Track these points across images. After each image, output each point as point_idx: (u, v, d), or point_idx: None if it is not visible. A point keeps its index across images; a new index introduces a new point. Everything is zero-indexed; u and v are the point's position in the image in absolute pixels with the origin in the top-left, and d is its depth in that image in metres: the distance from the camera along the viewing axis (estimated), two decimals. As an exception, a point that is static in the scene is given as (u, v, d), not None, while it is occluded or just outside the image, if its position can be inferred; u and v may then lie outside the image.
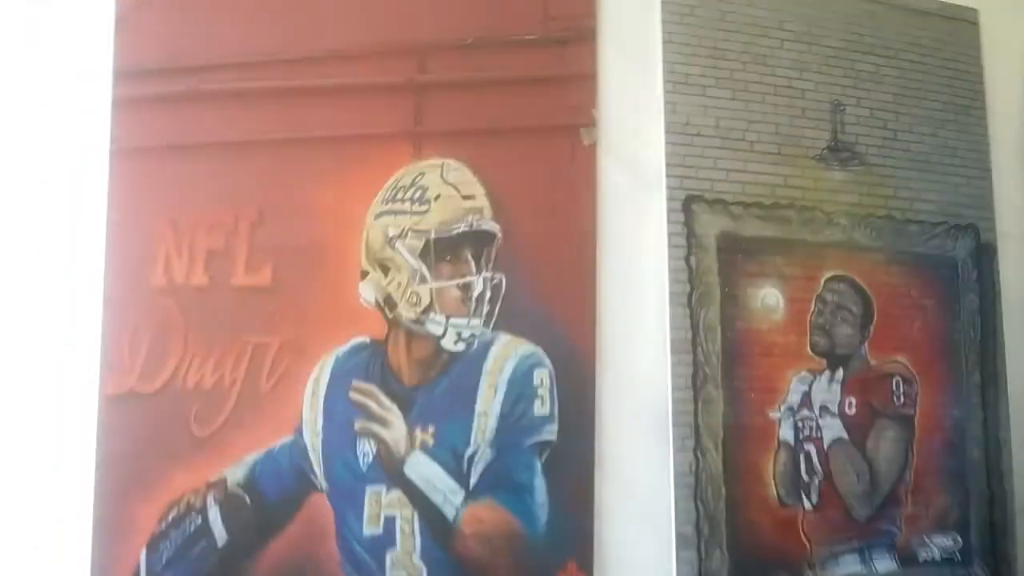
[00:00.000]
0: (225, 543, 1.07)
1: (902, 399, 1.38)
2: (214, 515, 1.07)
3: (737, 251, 1.32)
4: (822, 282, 1.36)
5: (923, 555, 1.36)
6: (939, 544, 1.38)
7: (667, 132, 1.30)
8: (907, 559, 1.35)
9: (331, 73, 1.17)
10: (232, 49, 1.13)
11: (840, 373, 1.35)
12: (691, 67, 1.33)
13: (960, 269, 1.44)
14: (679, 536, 1.23)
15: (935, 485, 1.38)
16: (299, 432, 1.11)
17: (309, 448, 1.11)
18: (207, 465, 1.07)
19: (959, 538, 1.39)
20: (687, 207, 1.30)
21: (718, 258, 1.30)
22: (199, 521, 1.06)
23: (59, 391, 1.02)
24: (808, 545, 1.30)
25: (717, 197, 1.31)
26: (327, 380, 1.12)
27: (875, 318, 1.37)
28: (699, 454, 1.26)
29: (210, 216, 1.11)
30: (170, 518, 1.05)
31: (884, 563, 1.34)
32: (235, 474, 1.08)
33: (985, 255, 1.46)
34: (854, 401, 1.36)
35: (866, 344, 1.37)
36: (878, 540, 1.34)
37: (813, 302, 1.35)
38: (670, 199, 1.29)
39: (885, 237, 1.40)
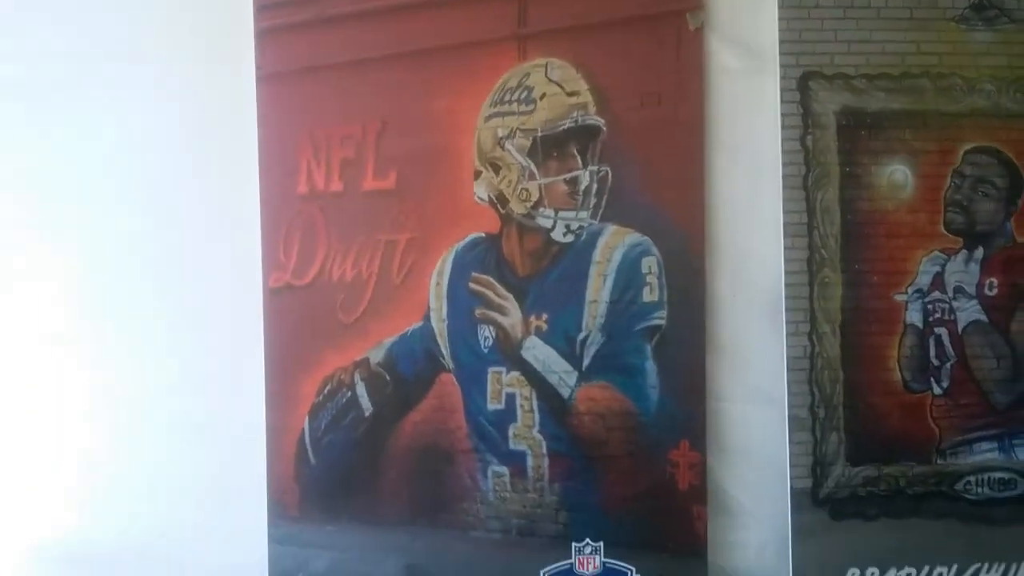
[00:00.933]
0: (371, 413, 1.29)
1: None
2: (361, 390, 1.30)
3: (860, 127, 1.29)
4: (960, 155, 1.29)
5: None
6: None
7: (781, 7, 1.27)
8: None
9: None
10: None
11: (980, 252, 1.30)
12: None
13: None
14: (792, 419, 1.28)
15: None
16: (427, 319, 1.29)
17: (436, 333, 1.30)
18: (353, 347, 1.29)
19: None
20: (803, 84, 1.28)
21: (838, 136, 1.28)
22: (349, 394, 1.30)
23: (232, 286, 1.27)
24: (937, 431, 1.30)
25: (837, 71, 1.28)
26: (449, 272, 1.29)
27: None
28: (814, 338, 1.29)
29: (341, 129, 1.29)
30: (325, 391, 1.30)
31: None
32: (376, 355, 1.30)
33: None
34: (996, 282, 1.30)
35: (1012, 220, 1.30)
36: (1021, 428, 1.31)
37: (949, 177, 1.29)
38: (784, 78, 1.28)
39: None
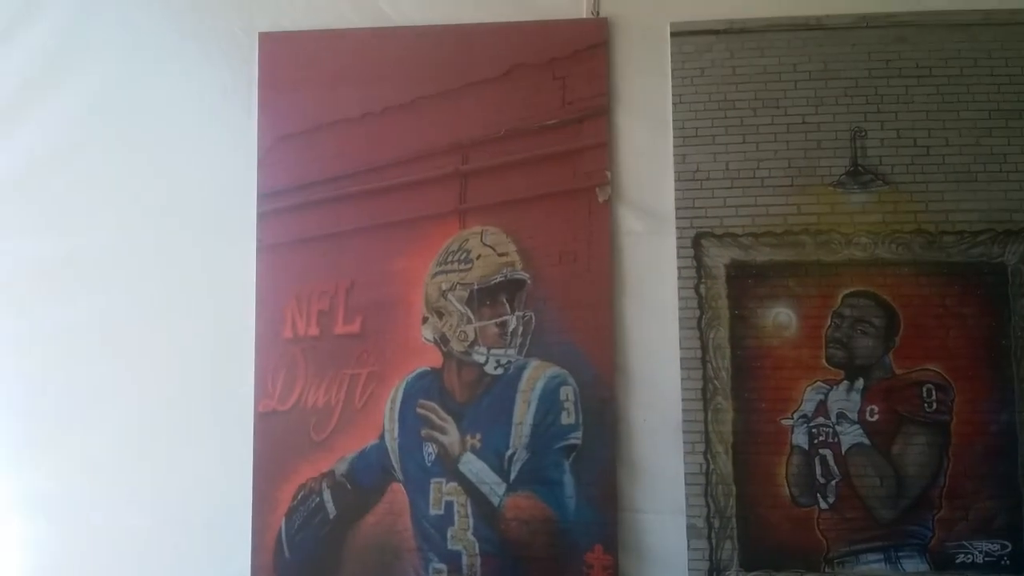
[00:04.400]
0: (335, 516, 1.74)
1: (934, 405, 1.62)
2: (327, 496, 1.74)
3: (747, 277, 1.67)
4: (840, 298, 1.65)
5: (961, 558, 1.60)
6: (981, 549, 1.60)
7: (677, 180, 1.70)
8: (941, 562, 1.59)
9: (398, 174, 1.80)
10: (326, 169, 1.80)
11: (860, 382, 1.64)
12: (701, 121, 1.70)
13: (1010, 275, 1.63)
14: (691, 528, 1.64)
15: (977, 490, 1.59)
16: (382, 437, 1.74)
17: (389, 449, 1.74)
18: (322, 460, 1.75)
19: (1008, 544, 1.60)
20: (696, 243, 1.69)
21: (727, 284, 1.68)
22: (317, 500, 1.75)
23: (229, 410, 1.77)
24: (825, 542, 1.61)
25: (726, 231, 1.68)
26: (400, 399, 1.75)
27: (901, 329, 1.64)
28: (709, 457, 1.66)
29: (319, 286, 1.79)
30: (299, 496, 1.75)
31: (913, 563, 1.59)
32: (340, 467, 1.75)
33: (1042, 258, 1.66)
34: (877, 408, 1.63)
35: (890, 355, 1.63)
36: (906, 541, 1.60)
37: (829, 317, 1.65)
38: (680, 237, 1.69)
39: (914, 251, 1.64)
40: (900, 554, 1.60)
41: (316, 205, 1.81)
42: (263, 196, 1.82)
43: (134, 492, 1.83)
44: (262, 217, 1.82)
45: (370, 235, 1.79)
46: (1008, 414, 1.60)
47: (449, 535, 1.72)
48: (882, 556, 1.61)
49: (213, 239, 1.83)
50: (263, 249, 1.81)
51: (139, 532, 1.82)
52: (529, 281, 1.73)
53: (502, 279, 1.74)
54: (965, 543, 1.59)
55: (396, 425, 1.75)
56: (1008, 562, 1.58)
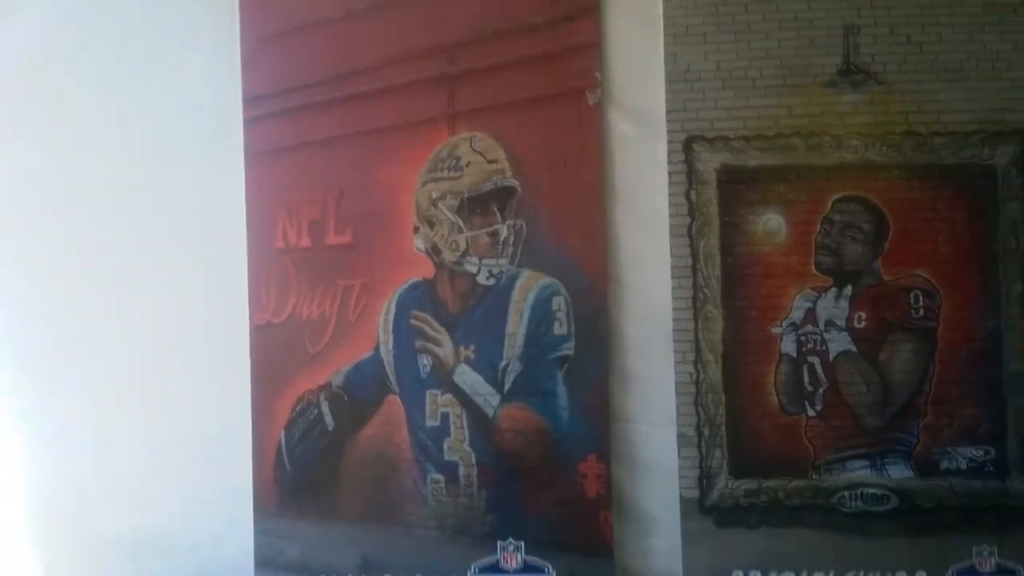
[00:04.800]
0: (333, 428, 2.66)
1: (922, 312, 2.42)
2: (325, 408, 2.66)
3: (738, 182, 2.48)
4: (830, 204, 2.44)
5: (945, 465, 2.43)
6: (966, 455, 2.42)
7: (668, 81, 2.50)
8: (926, 468, 2.41)
9: (384, 77, 2.64)
10: (310, 73, 2.66)
11: (848, 289, 2.44)
12: (692, 18, 2.48)
13: (1000, 177, 2.41)
14: (681, 436, 2.49)
15: (962, 396, 2.40)
16: (377, 349, 2.64)
17: (384, 361, 2.63)
18: (319, 373, 2.67)
19: (991, 450, 2.42)
20: (687, 147, 2.49)
21: (718, 190, 2.48)
22: (315, 412, 2.66)
23: (224, 324, 2.68)
24: (812, 449, 2.45)
25: (718, 135, 2.48)
26: (394, 311, 2.63)
27: (890, 235, 2.43)
28: (699, 366, 2.49)
29: (309, 196, 2.66)
30: (297, 409, 2.67)
31: (898, 470, 2.42)
32: (337, 379, 2.66)
33: (1034, 161, 2.40)
34: (864, 316, 2.44)
35: (879, 260, 2.43)
36: (891, 448, 2.43)
37: (819, 223, 2.45)
38: (671, 142, 2.49)
39: (905, 153, 2.41)
40: (885, 461, 2.44)
41: (302, 111, 2.68)
42: (248, 102, 2.70)
43: (133, 410, 2.78)
44: (249, 124, 2.70)
45: (358, 142, 2.66)
46: (995, 320, 2.40)
47: (446, 446, 2.62)
48: (868, 463, 2.45)
49: (199, 149, 2.73)
50: (251, 158, 2.71)
51: (140, 449, 2.78)
52: (520, 189, 2.58)
53: (492, 187, 2.59)
54: (949, 449, 2.42)
55: (390, 337, 2.65)
56: (991, 468, 2.40)
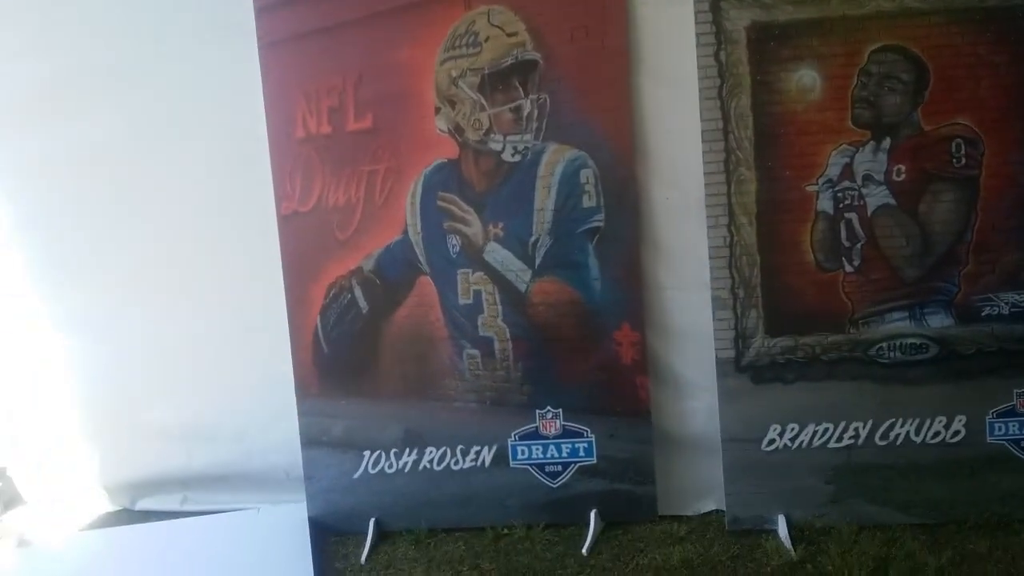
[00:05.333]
0: (367, 310, 1.65)
1: (963, 160, 1.45)
2: (358, 292, 1.64)
3: (769, 39, 1.46)
4: (866, 55, 1.45)
5: (987, 311, 1.47)
6: (1008, 299, 1.47)
7: None
8: (967, 316, 1.48)
9: None
10: None
11: (887, 142, 1.46)
12: None
13: None
14: (715, 299, 1.53)
15: (1005, 242, 1.46)
16: (405, 232, 1.62)
17: (414, 243, 1.62)
18: (349, 258, 1.63)
19: None
20: (715, 5, 1.47)
21: (748, 49, 1.47)
22: (349, 296, 1.65)
23: (252, 216, 1.63)
24: (850, 304, 1.50)
25: None
26: (420, 193, 1.60)
27: (930, 83, 1.44)
28: (732, 229, 1.51)
29: (326, 83, 1.60)
30: (331, 295, 1.65)
31: (938, 319, 1.49)
32: (368, 264, 1.64)
33: (1085, -6, 1.41)
34: (904, 168, 1.47)
35: (919, 111, 1.45)
36: (931, 298, 1.49)
37: (855, 76, 1.45)
38: (697, 0, 1.47)
39: None
40: (925, 311, 1.49)
41: (313, -3, 1.57)
42: (259, -9, 1.58)
43: (175, 308, 1.74)
44: (260, 13, 1.58)
45: (372, 24, 1.58)
46: None
47: (479, 322, 1.62)
48: (907, 314, 1.50)
49: (212, 41, 1.61)
50: (265, 47, 1.61)
51: (184, 344, 1.75)
52: (541, 61, 1.53)
53: (513, 61, 1.54)
54: (992, 296, 1.47)
55: (418, 219, 1.61)
56: None
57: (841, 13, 1.45)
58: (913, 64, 1.45)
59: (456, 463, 1.64)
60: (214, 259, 1.69)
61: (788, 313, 1.53)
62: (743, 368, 1.55)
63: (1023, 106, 1.43)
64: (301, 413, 1.70)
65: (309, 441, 1.70)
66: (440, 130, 1.58)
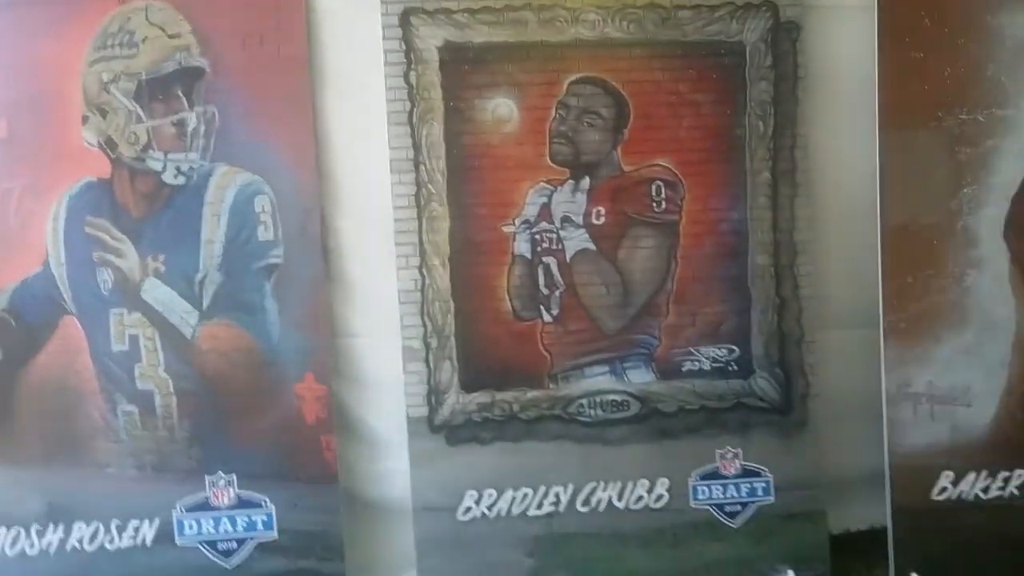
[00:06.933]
0: (1, 358, 1.37)
1: (664, 204, 1.37)
2: None
3: (464, 62, 1.34)
4: (565, 86, 1.35)
5: (688, 366, 1.40)
6: (709, 355, 1.41)
7: None
8: (668, 371, 1.39)
9: None
10: None
11: (586, 182, 1.36)
12: None
13: (749, 56, 1.35)
14: (406, 349, 1.37)
15: (705, 293, 1.38)
16: (47, 264, 1.36)
17: (56, 277, 1.36)
18: None
19: (736, 349, 1.41)
20: (405, 20, 1.32)
21: (441, 71, 1.34)
22: None
23: None
24: (549, 357, 1.38)
25: (439, 7, 1.32)
26: (64, 217, 1.35)
27: (631, 120, 1.36)
28: (424, 271, 1.36)
29: None
30: None
31: (639, 374, 1.39)
32: (0, 300, 1.38)
33: (785, 36, 1.35)
34: (603, 210, 1.37)
35: (619, 149, 1.36)
36: (632, 352, 1.39)
37: (554, 108, 1.35)
38: (385, 14, 1.32)
39: (647, 29, 1.33)
40: (626, 365, 1.39)
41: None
42: None
43: None
44: None
45: (5, 10, 1.32)
46: (740, 211, 1.38)
47: (137, 373, 1.38)
48: (608, 368, 1.39)
49: None
50: None
51: None
52: (209, 69, 1.33)
53: (176, 67, 1.33)
54: (692, 350, 1.39)
55: (61, 249, 1.36)
56: (735, 367, 1.40)
57: (540, 38, 1.33)
58: (613, 99, 1.35)
59: (111, 541, 1.37)
60: None
61: (485, 366, 1.38)
62: (437, 428, 1.38)
63: (725, 149, 1.36)
64: (-83, 480, 1.44)
65: (-73, 516, 1.45)
66: (89, 143, 1.33)
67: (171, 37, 1.33)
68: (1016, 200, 1.37)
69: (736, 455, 1.41)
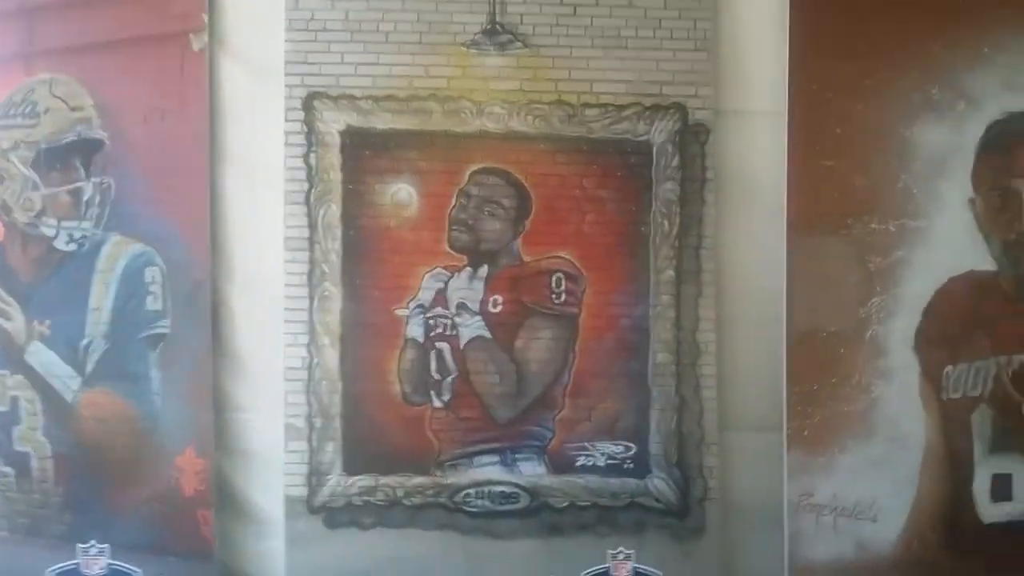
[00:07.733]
0: None
1: (563, 297, 1.36)
2: None
3: (365, 147, 1.34)
4: (467, 176, 1.35)
5: (582, 461, 1.38)
6: (604, 450, 1.39)
7: (288, 29, 1.33)
8: (561, 465, 1.36)
9: None
10: None
11: (484, 270, 1.35)
12: None
13: (656, 155, 1.35)
14: (289, 427, 1.35)
15: (603, 388, 1.36)
16: None
17: None
18: None
19: (632, 446, 1.38)
20: (308, 104, 1.33)
21: (342, 154, 1.34)
22: None
23: None
24: (437, 443, 1.36)
25: (343, 92, 1.33)
26: None
27: (532, 212, 1.35)
28: (313, 349, 1.34)
29: None
30: None
31: (531, 466, 1.36)
32: None
33: (693, 138, 1.36)
34: (501, 299, 1.36)
35: (519, 240, 1.35)
36: (524, 443, 1.37)
37: (455, 196, 1.35)
38: (289, 97, 1.33)
39: (553, 124, 1.34)
40: (517, 456, 1.37)
41: None
42: None
43: None
44: None
45: None
46: (642, 307, 1.36)
47: (15, 435, 1.37)
48: (498, 459, 1.37)
49: None
50: None
51: None
52: (108, 142, 1.34)
53: (75, 138, 1.34)
54: (587, 445, 1.37)
55: None
56: (631, 465, 1.37)
57: (443, 128, 1.34)
58: (515, 190, 1.35)
59: (-26, 607, 1.40)
60: None
61: (370, 449, 1.36)
62: (316, 509, 1.35)
63: (627, 245, 1.35)
64: None
65: None
66: (-17, 207, 1.38)
67: (73, 109, 1.34)
68: (927, 313, 1.36)
69: (628, 556, 1.38)
